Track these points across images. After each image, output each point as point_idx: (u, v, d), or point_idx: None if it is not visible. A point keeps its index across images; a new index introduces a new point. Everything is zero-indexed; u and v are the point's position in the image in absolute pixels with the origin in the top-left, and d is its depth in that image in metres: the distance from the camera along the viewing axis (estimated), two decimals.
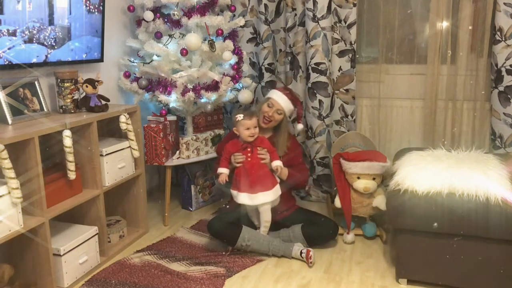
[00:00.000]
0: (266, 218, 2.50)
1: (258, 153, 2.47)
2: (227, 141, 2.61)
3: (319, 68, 3.05)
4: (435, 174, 2.10)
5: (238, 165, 2.47)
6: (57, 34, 2.33)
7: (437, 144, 2.92)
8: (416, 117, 3.12)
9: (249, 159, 2.46)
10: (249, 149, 2.48)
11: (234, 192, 2.49)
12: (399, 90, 3.17)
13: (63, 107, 2.38)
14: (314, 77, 3.07)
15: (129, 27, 3.07)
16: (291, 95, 2.70)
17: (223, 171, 2.50)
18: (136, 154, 2.60)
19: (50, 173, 2.17)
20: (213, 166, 2.82)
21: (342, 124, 3.19)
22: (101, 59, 2.69)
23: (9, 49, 2.07)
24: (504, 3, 2.69)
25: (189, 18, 2.77)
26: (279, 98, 2.62)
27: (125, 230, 2.71)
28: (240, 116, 2.46)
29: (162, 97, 2.77)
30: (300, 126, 2.79)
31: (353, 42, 3.03)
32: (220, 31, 2.86)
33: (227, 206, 2.76)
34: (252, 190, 2.42)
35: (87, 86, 2.39)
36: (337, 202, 2.66)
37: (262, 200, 2.43)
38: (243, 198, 2.44)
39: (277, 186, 2.49)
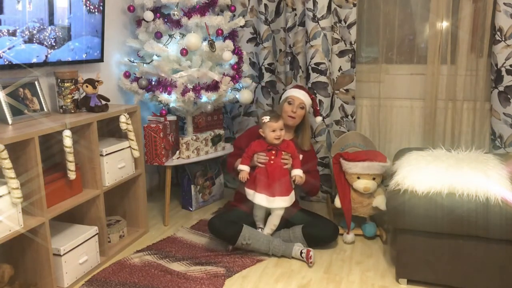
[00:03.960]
0: (275, 222, 2.51)
1: (282, 158, 2.47)
2: (248, 137, 2.61)
3: (319, 68, 3.05)
4: (435, 174, 2.10)
5: (259, 165, 2.47)
6: (57, 34, 2.33)
7: (437, 144, 2.93)
8: (416, 117, 3.12)
9: (272, 161, 2.46)
10: (273, 152, 2.47)
11: (250, 191, 2.48)
12: (399, 90, 3.17)
13: (63, 107, 2.38)
14: (314, 77, 3.07)
15: (129, 27, 3.07)
16: (306, 89, 2.76)
17: (245, 168, 2.49)
18: (136, 154, 2.60)
19: (50, 173, 2.17)
20: (228, 158, 2.78)
21: (342, 124, 3.19)
22: (101, 59, 2.69)
23: (9, 49, 2.07)
24: (504, 3, 2.69)
25: (189, 18, 2.77)
26: (297, 93, 2.65)
27: (125, 230, 2.71)
28: (266, 118, 2.45)
29: (162, 97, 2.77)
30: (319, 119, 2.85)
31: (353, 42, 3.04)
32: (220, 31, 2.86)
33: (228, 205, 2.75)
34: (271, 193, 2.42)
35: (87, 86, 2.39)
36: (337, 202, 2.67)
37: (279, 204, 2.44)
38: (261, 199, 2.43)
39: (293, 192, 2.50)
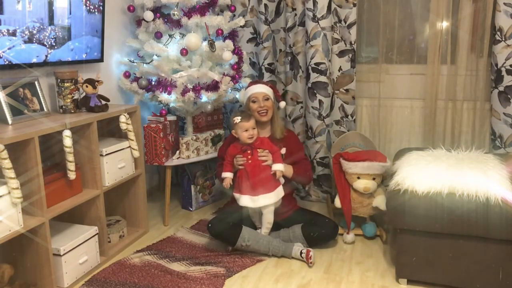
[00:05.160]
0: (268, 220, 2.50)
1: (259, 155, 2.47)
2: (228, 144, 2.61)
3: (319, 68, 3.05)
4: (435, 174, 2.10)
5: (240, 167, 2.47)
6: (57, 34, 2.33)
7: (437, 144, 2.93)
8: (416, 117, 3.12)
9: (249, 161, 2.46)
10: (249, 151, 2.47)
11: (236, 195, 2.48)
12: (399, 90, 3.17)
13: (63, 107, 2.38)
14: (314, 77, 3.07)
15: (129, 27, 3.07)
16: (262, 81, 2.79)
17: (227, 175, 2.49)
18: (136, 154, 2.60)
19: (50, 173, 2.17)
20: (216, 170, 2.81)
21: (342, 124, 3.19)
22: (101, 59, 2.69)
23: (9, 49, 2.07)
24: (504, 3, 2.69)
25: (189, 18, 2.77)
26: (256, 89, 2.65)
27: (125, 230, 2.71)
28: (237, 119, 2.45)
29: (162, 97, 2.77)
30: (283, 103, 2.83)
31: (353, 42, 3.03)
32: (220, 31, 2.86)
33: (228, 206, 2.76)
34: (254, 192, 2.42)
35: (87, 86, 2.39)
36: (337, 202, 2.67)
37: (263, 202, 2.43)
38: (245, 200, 2.43)
39: (280, 188, 2.49)
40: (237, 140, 2.53)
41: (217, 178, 2.83)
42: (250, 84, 2.75)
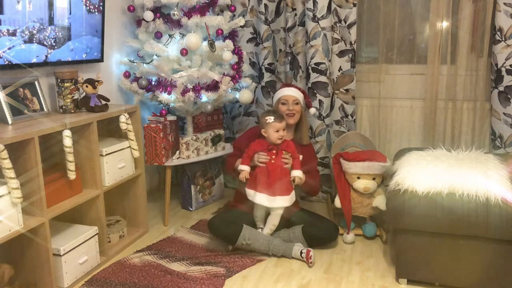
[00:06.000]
0: (274, 222, 2.51)
1: (283, 157, 2.48)
2: (248, 138, 2.62)
3: (319, 68, 3.05)
4: (435, 174, 2.10)
5: (260, 164, 2.47)
6: (57, 34, 2.33)
7: (437, 144, 2.93)
8: (416, 117, 3.12)
9: (272, 161, 2.46)
10: (274, 151, 2.48)
11: (250, 191, 2.48)
12: (399, 90, 3.17)
13: (63, 107, 2.38)
14: (314, 77, 3.07)
15: (129, 27, 3.07)
16: (294, 85, 2.80)
17: (245, 168, 2.49)
18: (136, 154, 2.60)
19: (50, 173, 2.17)
20: (227, 159, 2.80)
21: (342, 124, 3.19)
22: (101, 59, 2.69)
23: (9, 49, 2.07)
24: (504, 3, 2.69)
25: (189, 18, 2.77)
26: (287, 91, 2.68)
27: (125, 230, 2.71)
28: (270, 118, 2.46)
29: (162, 97, 2.76)
30: (313, 110, 2.84)
31: (353, 42, 3.03)
32: (220, 31, 2.86)
33: (228, 205, 2.76)
34: (271, 192, 2.42)
35: (87, 86, 2.39)
36: (337, 202, 2.67)
37: (279, 203, 2.44)
38: (261, 198, 2.43)
39: (293, 193, 2.50)
40: (262, 137, 2.53)
41: (226, 168, 2.80)
42: (282, 86, 2.80)
